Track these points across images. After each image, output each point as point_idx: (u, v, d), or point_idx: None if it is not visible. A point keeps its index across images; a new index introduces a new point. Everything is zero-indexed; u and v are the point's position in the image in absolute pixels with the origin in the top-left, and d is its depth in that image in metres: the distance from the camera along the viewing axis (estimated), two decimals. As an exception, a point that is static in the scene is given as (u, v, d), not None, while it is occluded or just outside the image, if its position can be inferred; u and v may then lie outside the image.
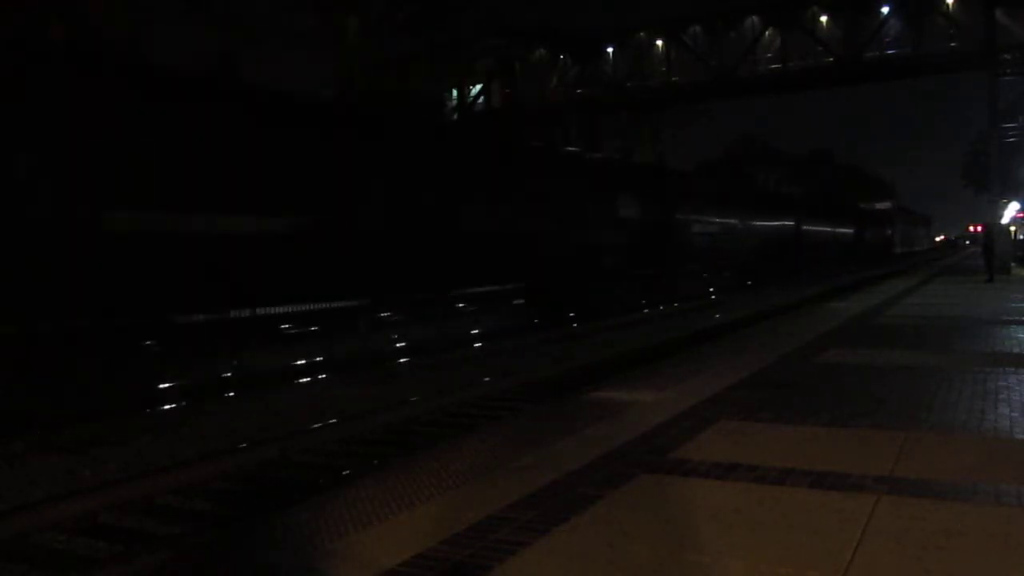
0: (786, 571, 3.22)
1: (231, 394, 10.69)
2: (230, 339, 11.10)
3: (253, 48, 31.06)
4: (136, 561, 5.23)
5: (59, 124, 9.20)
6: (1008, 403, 6.35)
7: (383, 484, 4.73)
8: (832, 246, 49.80)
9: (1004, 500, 4.01)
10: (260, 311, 11.44)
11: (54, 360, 8.98)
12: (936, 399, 6.57)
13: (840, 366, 8.64)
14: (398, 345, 14.41)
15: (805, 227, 42.04)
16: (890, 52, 34.47)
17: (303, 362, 12.29)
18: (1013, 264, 31.17)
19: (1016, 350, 9.45)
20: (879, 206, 72.77)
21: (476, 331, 16.60)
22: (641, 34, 38.34)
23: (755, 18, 36.07)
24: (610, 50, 38.78)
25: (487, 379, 11.95)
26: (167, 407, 9.85)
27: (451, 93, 40.35)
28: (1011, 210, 35.88)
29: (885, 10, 33.99)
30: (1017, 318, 13.20)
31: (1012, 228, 36.64)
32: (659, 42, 38.14)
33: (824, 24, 35.40)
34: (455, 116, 39.56)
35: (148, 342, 10.03)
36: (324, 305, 12.52)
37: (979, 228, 55.54)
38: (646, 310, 23.22)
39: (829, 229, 49.74)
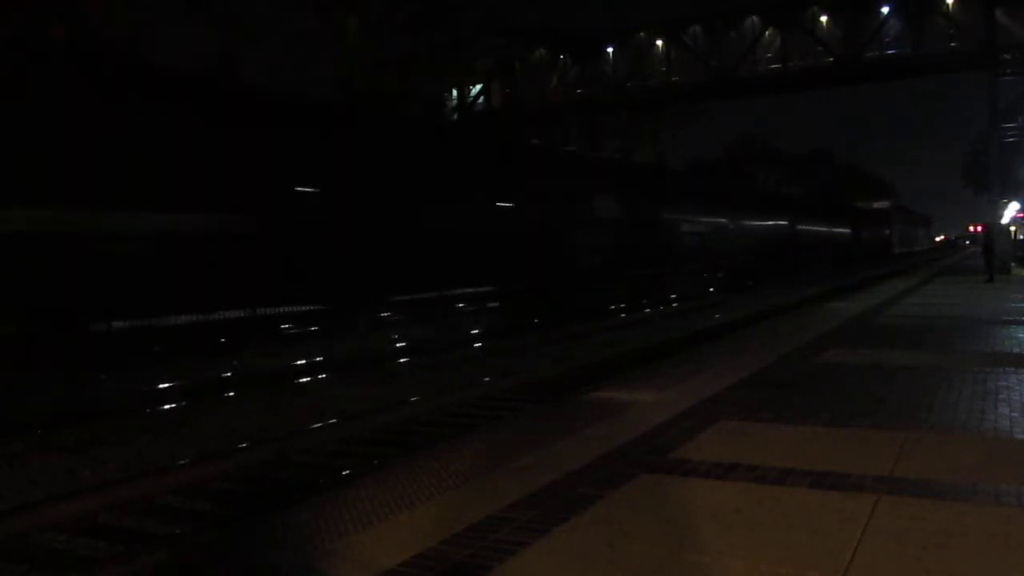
0: (786, 571, 3.22)
1: (231, 394, 10.70)
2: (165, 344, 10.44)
3: (253, 48, 31.12)
4: (136, 561, 5.23)
5: None
6: (1008, 403, 6.34)
7: (383, 484, 4.73)
8: (828, 246, 49.23)
9: (1004, 500, 4.01)
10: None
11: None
12: (936, 399, 6.57)
13: (840, 366, 8.64)
14: (304, 362, 12.52)
15: (800, 227, 41.54)
16: (890, 52, 34.51)
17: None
18: (1013, 264, 31.17)
19: (1016, 350, 9.45)
20: (877, 205, 72.40)
21: (402, 345, 14.76)
22: (641, 34, 38.38)
23: (755, 18, 36.10)
24: (610, 50, 38.82)
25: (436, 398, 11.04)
26: (167, 407, 9.85)
27: (451, 93, 40.36)
28: (1011, 210, 35.88)
29: (885, 10, 34.02)
30: (1017, 318, 13.19)
31: (1012, 228, 36.64)
32: (659, 42, 38.17)
33: (824, 24, 35.44)
34: (455, 116, 39.58)
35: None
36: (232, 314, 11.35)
37: (979, 228, 55.40)
38: (624, 315, 22.14)
39: (825, 229, 49.18)
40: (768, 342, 11.20)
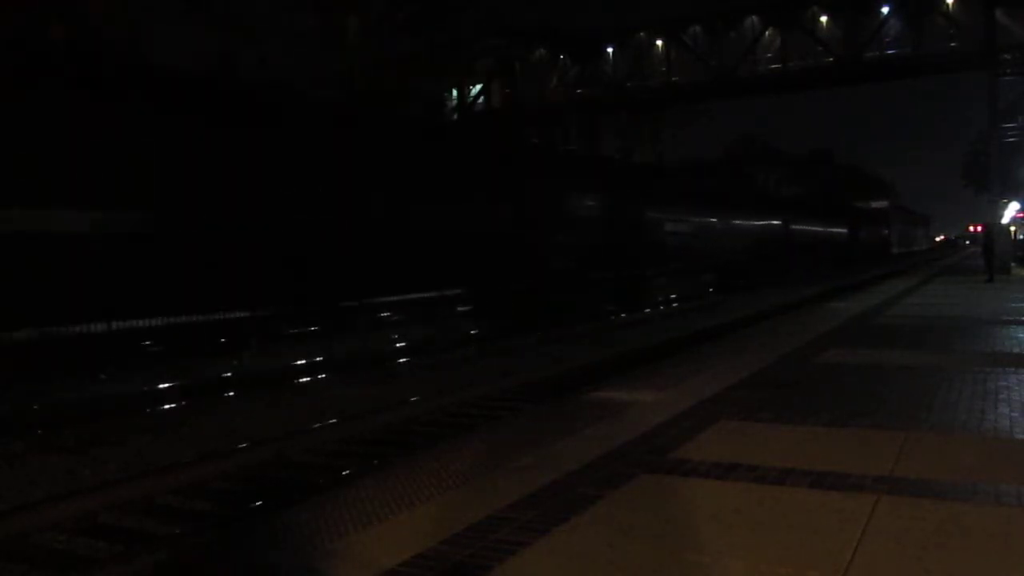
0: (786, 571, 3.22)
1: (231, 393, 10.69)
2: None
3: (253, 48, 31.13)
4: (136, 561, 5.23)
5: None
6: (1008, 403, 6.34)
7: (383, 484, 4.73)
8: (824, 247, 48.41)
9: (1004, 500, 4.01)
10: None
11: None
12: (936, 399, 6.57)
13: (840, 366, 8.64)
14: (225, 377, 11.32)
15: (795, 227, 40.73)
16: (890, 52, 34.51)
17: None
18: (1013, 264, 31.18)
19: (1016, 350, 9.45)
20: (875, 205, 71.91)
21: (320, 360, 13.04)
22: (641, 34, 38.39)
23: (755, 18, 36.11)
24: (610, 50, 38.82)
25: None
26: (167, 407, 9.85)
27: (451, 93, 40.37)
28: (1011, 210, 35.89)
29: (885, 10, 34.03)
30: (1017, 318, 13.19)
31: (1012, 228, 36.65)
32: (659, 42, 38.17)
33: (824, 24, 35.44)
34: (455, 116, 39.59)
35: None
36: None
37: (979, 228, 55.21)
38: (594, 320, 20.32)
39: (821, 229, 48.36)
40: (768, 342, 11.20)
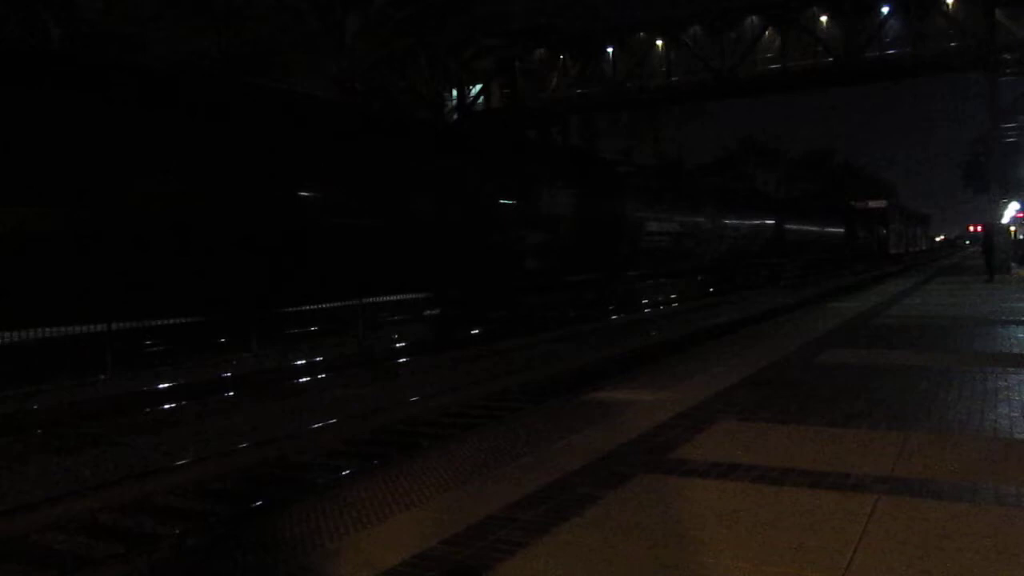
0: (786, 571, 3.22)
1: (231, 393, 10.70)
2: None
3: (252, 47, 31.14)
4: (136, 561, 5.24)
5: None
6: (1008, 403, 6.34)
7: (383, 484, 4.73)
8: (820, 247, 47.39)
9: (1004, 500, 4.01)
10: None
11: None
12: (936, 399, 6.57)
13: (840, 366, 8.64)
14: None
15: (788, 226, 39.52)
16: (890, 52, 34.48)
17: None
18: (1013, 264, 31.21)
19: (1016, 350, 9.45)
20: (873, 204, 71.44)
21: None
22: (641, 34, 38.35)
23: (755, 18, 36.08)
24: (610, 50, 38.79)
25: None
26: (167, 407, 9.86)
27: (451, 93, 40.37)
28: (1011, 210, 35.92)
29: (885, 10, 34.00)
30: (1017, 318, 13.19)
31: (1012, 228, 36.67)
32: (659, 42, 38.15)
33: (824, 24, 35.41)
34: (455, 116, 39.59)
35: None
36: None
37: (979, 228, 55.09)
38: (560, 327, 18.62)
39: (816, 229, 47.16)
40: (767, 343, 11.20)
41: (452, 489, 4.55)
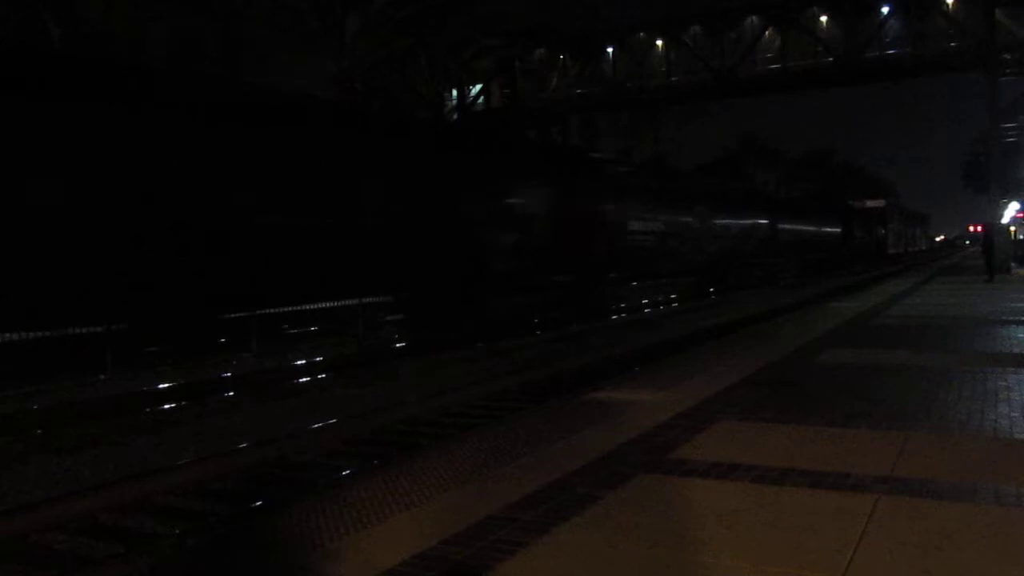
0: (786, 571, 3.22)
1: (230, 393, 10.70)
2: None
3: (252, 48, 31.15)
4: (136, 561, 5.24)
5: None
6: (1008, 403, 6.34)
7: (383, 484, 4.73)
8: (815, 247, 46.76)
9: (1004, 500, 4.01)
10: None
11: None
12: (936, 399, 6.57)
13: (840, 366, 8.64)
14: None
15: (783, 226, 38.98)
16: (890, 52, 34.48)
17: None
18: (1013, 264, 31.21)
19: (1016, 350, 9.45)
20: (871, 204, 71.11)
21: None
22: (641, 34, 38.36)
23: (755, 18, 36.09)
24: (610, 50, 38.80)
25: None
26: (167, 407, 9.86)
27: (451, 93, 40.37)
28: (1011, 210, 35.91)
29: (885, 10, 34.00)
30: (1017, 318, 13.19)
31: (1012, 228, 36.66)
32: (659, 42, 38.16)
33: (824, 24, 35.42)
34: (455, 116, 39.59)
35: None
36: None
37: (979, 228, 54.91)
38: (532, 333, 17.58)
39: (812, 228, 46.79)
40: (766, 343, 11.20)
41: (452, 489, 4.55)
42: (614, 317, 21.94)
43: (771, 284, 35.03)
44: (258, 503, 6.37)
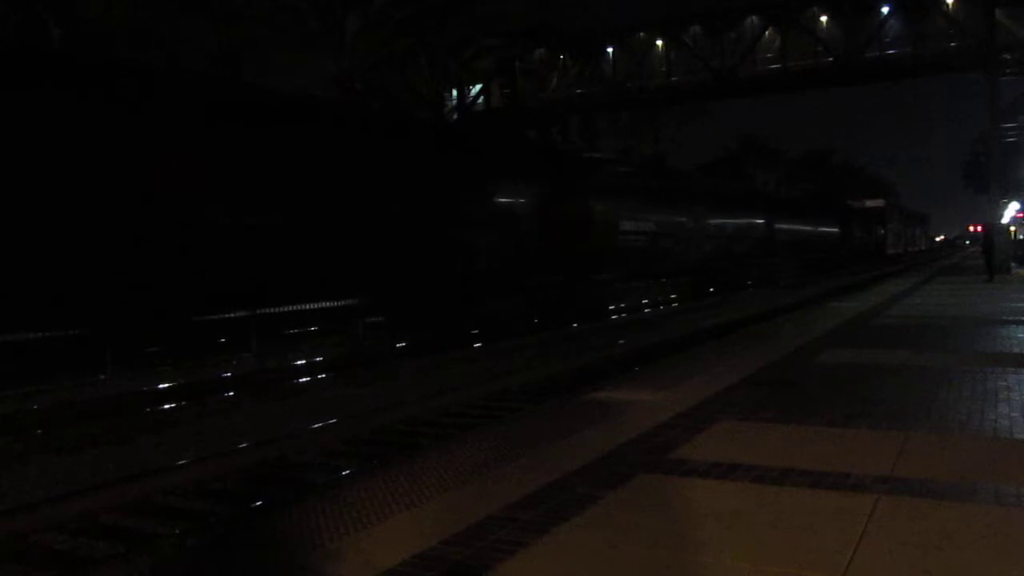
0: (786, 571, 3.22)
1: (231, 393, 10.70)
2: None
3: (252, 48, 31.15)
4: (136, 561, 5.24)
5: None
6: (1008, 403, 6.34)
7: (383, 484, 4.73)
8: (813, 247, 46.15)
9: (1004, 500, 4.01)
10: None
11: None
12: (936, 399, 6.57)
13: (840, 366, 8.64)
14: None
15: (779, 226, 38.29)
16: (890, 52, 34.48)
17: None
18: (1013, 264, 31.21)
19: (1016, 350, 9.45)
20: (870, 203, 70.78)
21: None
22: (641, 34, 38.36)
23: (755, 18, 36.08)
24: (610, 50, 38.80)
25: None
26: (167, 407, 9.86)
27: (451, 93, 40.37)
28: (1011, 210, 35.90)
29: (885, 10, 34.00)
30: (1017, 318, 13.19)
31: (1012, 228, 36.66)
32: (659, 42, 38.16)
33: (824, 24, 35.42)
34: (455, 116, 39.60)
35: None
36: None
37: (979, 228, 54.80)
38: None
39: (809, 228, 46.13)
40: (766, 343, 11.20)
41: (452, 489, 4.55)
42: (614, 317, 21.94)
43: (771, 284, 34.89)
44: (258, 503, 6.38)
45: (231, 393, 10.70)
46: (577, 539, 3.65)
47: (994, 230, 29.47)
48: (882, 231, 67.80)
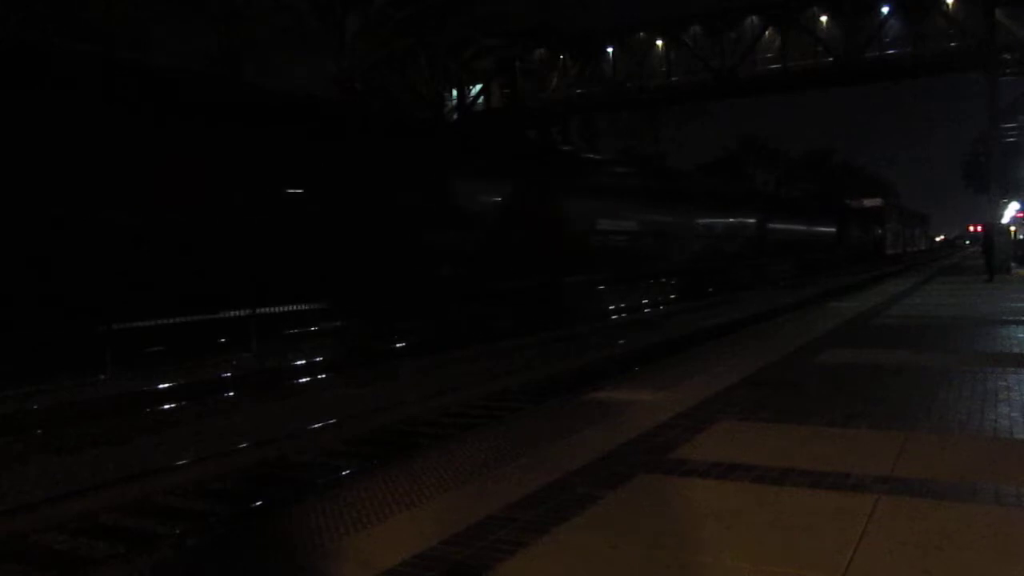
0: (786, 571, 3.22)
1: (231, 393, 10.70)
2: None
3: (252, 48, 31.15)
4: (136, 561, 5.24)
5: None
6: (1008, 403, 6.34)
7: (383, 484, 4.73)
8: (808, 247, 45.42)
9: (1004, 500, 4.01)
10: None
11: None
12: (936, 399, 6.57)
13: (840, 366, 8.64)
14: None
15: (772, 225, 37.56)
16: (890, 52, 34.48)
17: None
18: (1013, 264, 31.21)
19: (1016, 350, 9.45)
20: (868, 203, 70.40)
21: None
22: (641, 34, 38.36)
23: (755, 18, 36.08)
24: (610, 50, 38.80)
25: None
26: (167, 406, 9.86)
27: (451, 93, 40.37)
28: (1011, 210, 35.90)
29: (885, 10, 34.00)
30: (1017, 318, 13.19)
31: (1012, 228, 36.66)
32: (659, 42, 38.16)
33: (824, 24, 35.42)
34: (455, 116, 39.60)
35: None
36: None
37: (979, 228, 54.69)
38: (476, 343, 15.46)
39: (804, 228, 45.43)
40: (766, 343, 11.20)
41: (452, 489, 4.55)
42: (614, 317, 21.94)
43: (765, 285, 34.74)
44: (258, 503, 6.38)
45: (231, 393, 10.70)
46: (577, 539, 3.65)
47: (994, 230, 29.47)
48: (881, 231, 67.54)
